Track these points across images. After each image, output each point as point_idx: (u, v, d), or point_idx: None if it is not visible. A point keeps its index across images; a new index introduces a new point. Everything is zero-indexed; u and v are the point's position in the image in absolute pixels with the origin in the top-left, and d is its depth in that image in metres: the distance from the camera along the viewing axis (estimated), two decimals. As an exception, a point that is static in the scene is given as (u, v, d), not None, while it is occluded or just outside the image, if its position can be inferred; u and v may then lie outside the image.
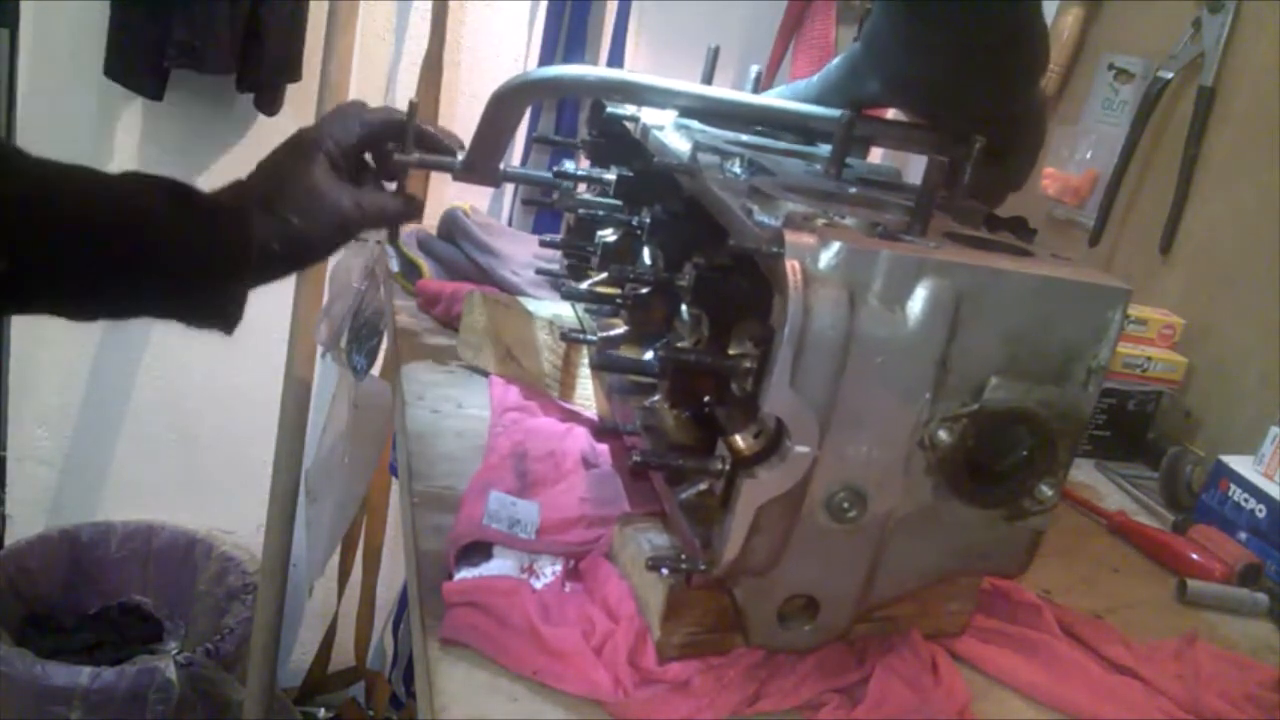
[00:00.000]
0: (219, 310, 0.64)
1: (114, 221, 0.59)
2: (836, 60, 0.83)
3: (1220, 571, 0.91)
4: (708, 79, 0.90)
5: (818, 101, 0.81)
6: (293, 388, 1.61)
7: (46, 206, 0.57)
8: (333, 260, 1.52)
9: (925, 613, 0.69)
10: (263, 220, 0.65)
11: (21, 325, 1.82)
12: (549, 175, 0.87)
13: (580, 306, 0.96)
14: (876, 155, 1.61)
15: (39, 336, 1.83)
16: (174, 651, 1.86)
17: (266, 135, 1.75)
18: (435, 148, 0.75)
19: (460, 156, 0.76)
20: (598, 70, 0.79)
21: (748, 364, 0.55)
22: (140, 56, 1.55)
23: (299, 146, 0.69)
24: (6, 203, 0.55)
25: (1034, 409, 0.58)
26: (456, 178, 0.77)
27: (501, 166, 0.78)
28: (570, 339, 0.86)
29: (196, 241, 0.62)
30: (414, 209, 0.74)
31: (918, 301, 0.54)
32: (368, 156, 0.74)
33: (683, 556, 0.60)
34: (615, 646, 0.62)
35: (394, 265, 1.29)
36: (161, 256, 0.61)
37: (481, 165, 0.77)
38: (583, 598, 0.68)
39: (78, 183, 0.59)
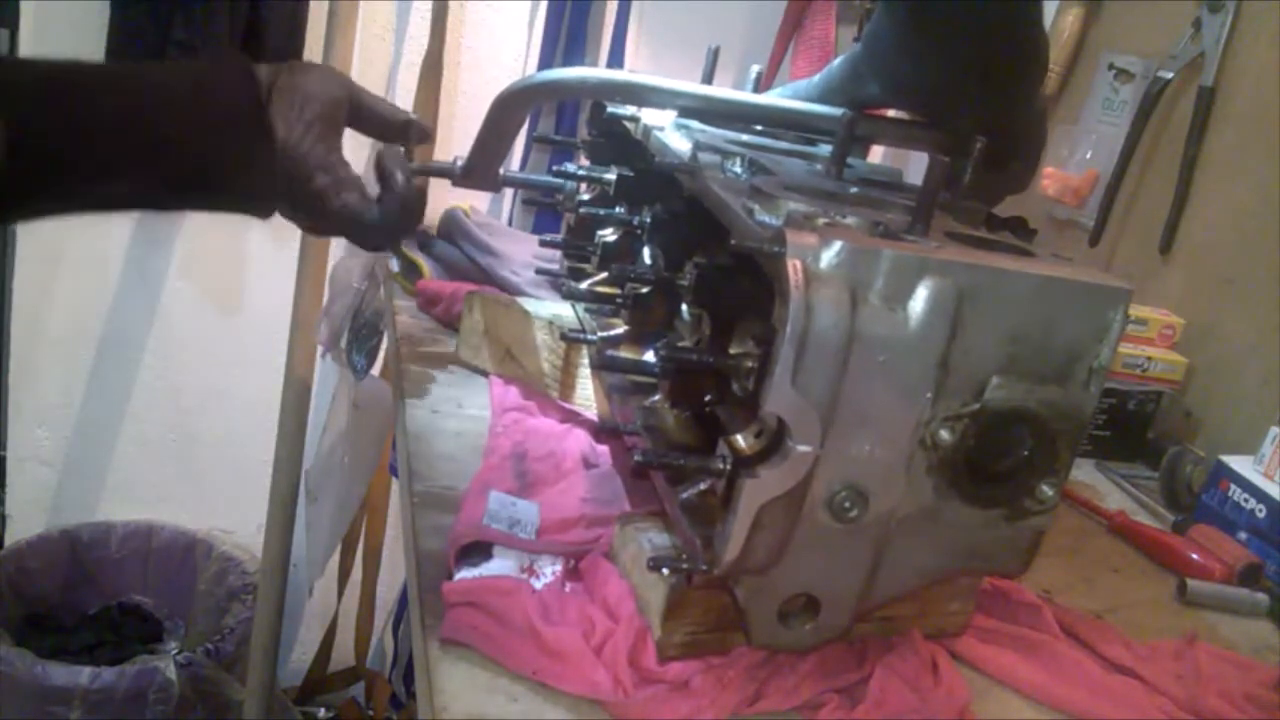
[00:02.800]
0: (255, 134, 0.62)
1: (117, 71, 0.60)
2: (837, 61, 0.83)
3: (1220, 571, 0.91)
4: (708, 79, 0.90)
5: (819, 102, 0.81)
6: (293, 388, 1.60)
7: (41, 72, 0.57)
8: (333, 260, 1.52)
9: (925, 613, 0.69)
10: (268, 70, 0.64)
11: (22, 325, 1.82)
12: (549, 179, 0.87)
13: (580, 306, 0.96)
14: (877, 155, 1.61)
15: (39, 336, 1.83)
16: (174, 651, 1.85)
17: (266, 135, 1.75)
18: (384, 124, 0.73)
19: (459, 162, 0.76)
20: (598, 72, 0.79)
21: (749, 363, 0.55)
22: (140, 56, 1.55)
23: (333, 96, 0.67)
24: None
25: (1035, 409, 0.58)
26: (456, 184, 0.76)
27: (501, 171, 0.78)
28: (570, 339, 0.86)
29: (203, 72, 0.62)
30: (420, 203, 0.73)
31: (919, 301, 0.54)
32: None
33: (684, 556, 0.60)
34: (615, 646, 0.62)
35: (394, 265, 1.29)
36: (170, 93, 0.60)
37: (482, 171, 0.77)
38: (583, 598, 0.68)
39: (73, 60, 0.59)
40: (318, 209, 0.66)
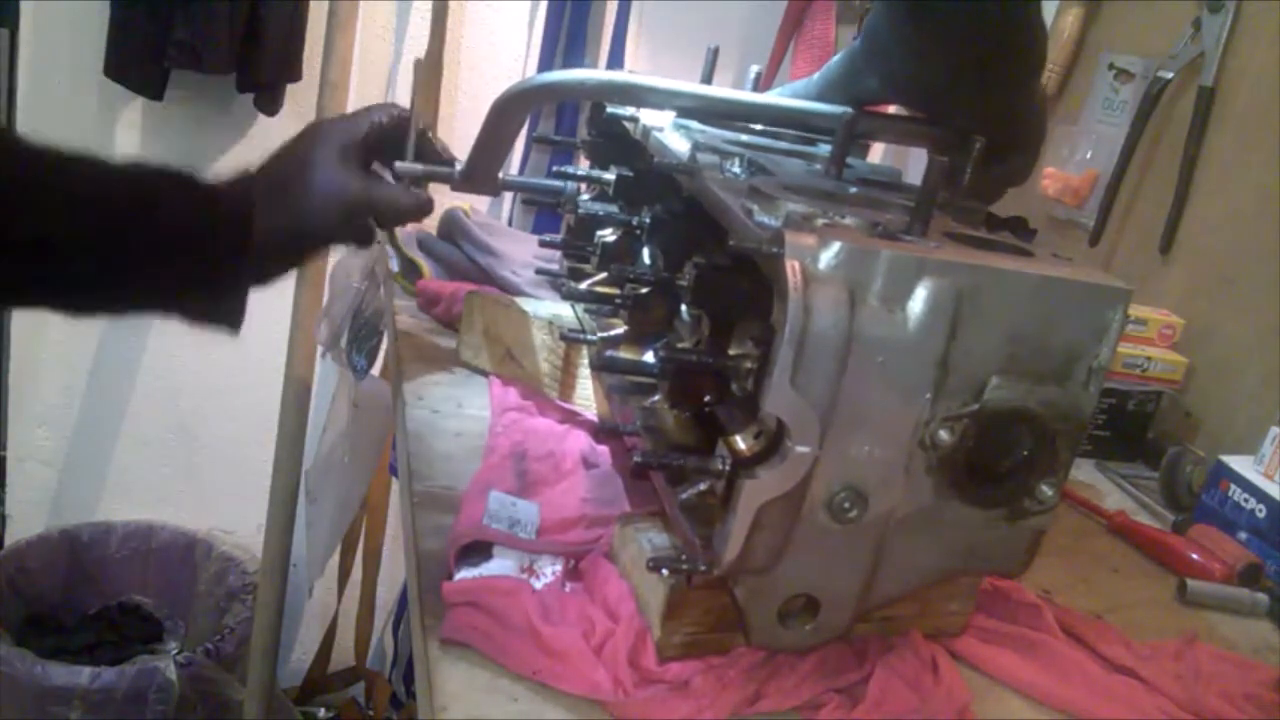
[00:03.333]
0: (221, 298, 0.63)
1: (113, 195, 0.58)
2: (837, 57, 0.83)
3: (1220, 571, 0.91)
4: (707, 79, 0.90)
5: (818, 99, 0.81)
6: (293, 388, 1.61)
7: (41, 181, 0.56)
8: (333, 260, 1.52)
9: (925, 613, 0.69)
10: (266, 199, 0.63)
11: (21, 325, 1.82)
12: (548, 182, 0.87)
13: (580, 306, 0.96)
14: (877, 156, 1.61)
15: (39, 336, 1.83)
16: (174, 651, 1.86)
17: (266, 135, 1.75)
18: (436, 157, 0.74)
19: (458, 166, 0.76)
20: (597, 74, 0.79)
21: (748, 364, 0.55)
22: (140, 56, 1.55)
23: (307, 134, 0.68)
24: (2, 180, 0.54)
25: (1035, 409, 0.58)
26: (455, 188, 0.76)
27: (501, 174, 0.78)
28: (570, 339, 0.86)
29: (197, 219, 0.61)
30: (426, 205, 0.73)
31: (918, 301, 0.54)
32: (375, 165, 0.73)
33: (683, 556, 0.60)
34: (615, 646, 0.62)
35: (394, 265, 1.29)
36: (162, 232, 0.60)
37: (481, 174, 0.76)
38: (583, 598, 0.68)
39: (78, 162, 0.58)
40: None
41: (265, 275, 0.66)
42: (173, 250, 0.60)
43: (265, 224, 0.63)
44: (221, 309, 0.63)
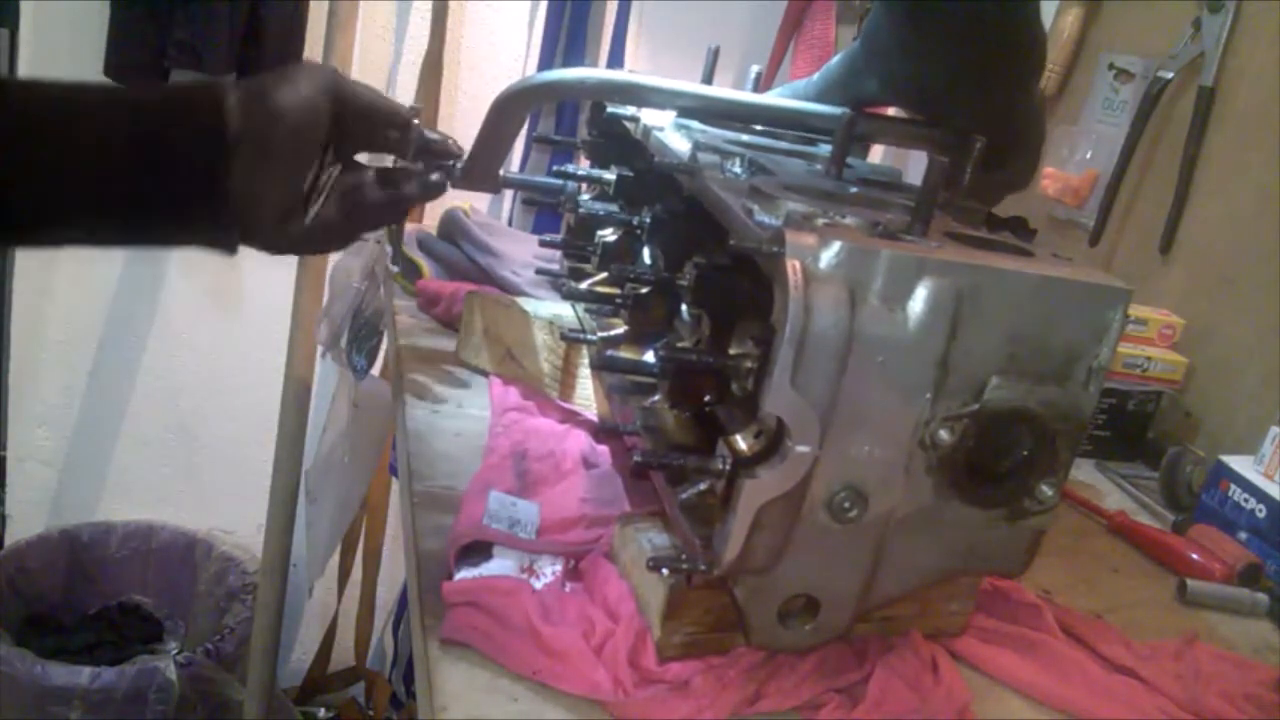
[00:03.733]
0: (209, 196, 0.59)
1: (89, 98, 0.57)
2: (836, 58, 0.83)
3: (1220, 571, 0.91)
4: (708, 79, 0.90)
5: (817, 99, 0.81)
6: (293, 388, 1.61)
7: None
8: (333, 260, 1.52)
9: (925, 613, 0.69)
10: (239, 88, 0.59)
11: (21, 325, 1.82)
12: (549, 181, 0.87)
13: (580, 306, 0.96)
14: (877, 155, 1.61)
15: (39, 336, 1.83)
16: (174, 651, 1.86)
17: (266, 135, 1.75)
18: (439, 154, 0.73)
19: (458, 164, 0.76)
20: (597, 73, 0.79)
21: (748, 364, 0.55)
22: (140, 56, 1.55)
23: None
24: None
25: (1035, 409, 0.58)
26: (456, 186, 0.76)
27: (501, 172, 0.78)
28: (570, 339, 0.86)
29: (170, 102, 0.58)
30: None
31: (918, 301, 0.54)
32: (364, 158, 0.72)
33: (683, 556, 0.60)
34: (615, 646, 0.62)
35: (394, 265, 1.29)
36: (137, 123, 0.57)
37: (481, 172, 0.76)
38: (583, 598, 0.68)
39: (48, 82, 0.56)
40: (283, 245, 0.65)
41: (254, 179, 0.60)
42: (147, 134, 0.57)
43: (242, 105, 0.59)
44: (208, 202, 0.59)
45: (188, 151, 0.59)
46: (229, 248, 0.63)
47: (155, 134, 0.58)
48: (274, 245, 0.65)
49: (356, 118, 0.65)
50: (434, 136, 0.72)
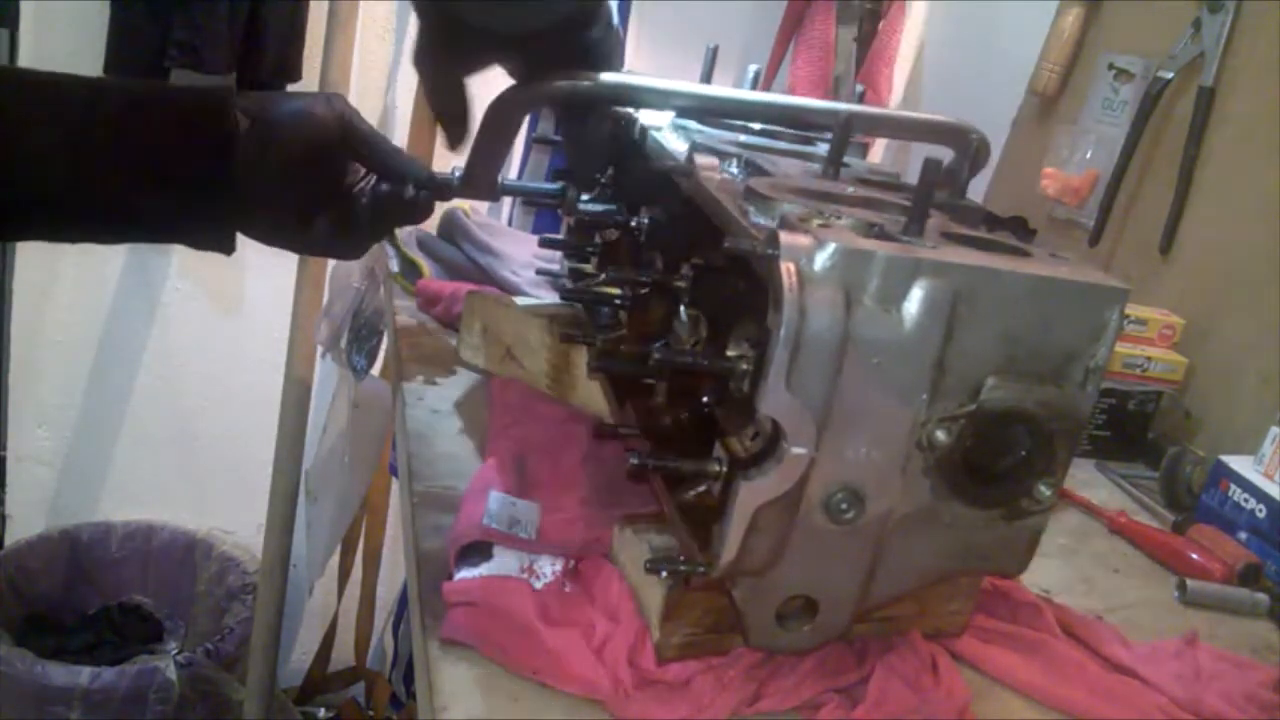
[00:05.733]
0: (209, 201, 0.60)
1: (87, 93, 0.58)
2: None
3: (1220, 571, 0.91)
4: (707, 79, 0.90)
5: None
6: (293, 388, 1.61)
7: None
8: (332, 260, 1.52)
9: (925, 613, 0.69)
10: (246, 98, 0.62)
11: (21, 325, 1.82)
12: (546, 186, 0.87)
13: (580, 306, 0.96)
14: (877, 156, 1.61)
15: (39, 336, 1.83)
16: (174, 651, 1.86)
17: (266, 135, 1.75)
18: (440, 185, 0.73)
19: (456, 172, 0.76)
20: (592, 76, 0.79)
21: (744, 366, 0.55)
22: (140, 56, 1.55)
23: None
24: None
25: (1032, 409, 0.58)
26: (454, 193, 0.76)
27: (500, 178, 0.78)
28: (570, 339, 0.86)
29: (177, 102, 0.60)
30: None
31: (914, 302, 0.54)
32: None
33: (681, 558, 0.60)
34: (615, 647, 0.62)
35: (394, 265, 1.29)
36: (142, 122, 0.58)
37: (479, 179, 0.76)
38: (583, 598, 0.68)
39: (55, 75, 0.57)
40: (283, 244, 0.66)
41: (256, 181, 0.62)
42: (150, 131, 0.58)
43: (247, 111, 0.61)
44: (208, 204, 0.60)
45: (194, 151, 0.60)
46: (226, 248, 0.63)
47: (162, 132, 0.59)
48: (275, 244, 0.66)
49: (361, 141, 0.69)
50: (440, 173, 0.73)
